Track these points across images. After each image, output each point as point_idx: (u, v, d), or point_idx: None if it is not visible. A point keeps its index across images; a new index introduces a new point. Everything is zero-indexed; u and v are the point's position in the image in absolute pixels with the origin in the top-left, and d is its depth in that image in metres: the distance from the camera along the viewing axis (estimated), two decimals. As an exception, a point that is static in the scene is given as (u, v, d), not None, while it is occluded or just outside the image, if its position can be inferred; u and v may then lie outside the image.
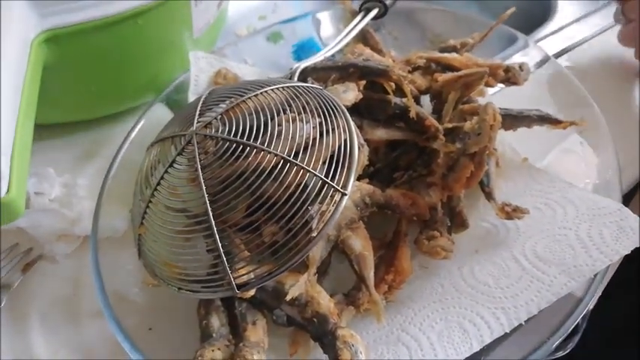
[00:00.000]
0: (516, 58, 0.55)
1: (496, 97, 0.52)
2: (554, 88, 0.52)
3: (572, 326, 0.36)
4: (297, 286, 0.35)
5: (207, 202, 0.33)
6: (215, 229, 0.33)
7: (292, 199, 0.33)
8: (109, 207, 0.44)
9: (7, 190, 0.34)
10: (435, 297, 0.39)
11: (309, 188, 0.33)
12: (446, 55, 0.50)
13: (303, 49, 0.61)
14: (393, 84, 0.44)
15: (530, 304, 0.36)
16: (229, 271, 0.33)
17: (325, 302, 0.36)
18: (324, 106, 0.37)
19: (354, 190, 0.39)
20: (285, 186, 0.33)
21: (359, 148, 0.36)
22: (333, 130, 0.36)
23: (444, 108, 0.46)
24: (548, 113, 0.46)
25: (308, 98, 0.37)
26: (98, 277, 0.40)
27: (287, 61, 0.60)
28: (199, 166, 0.34)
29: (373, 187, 0.40)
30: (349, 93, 0.43)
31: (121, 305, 0.39)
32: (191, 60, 0.53)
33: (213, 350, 0.34)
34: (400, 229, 0.42)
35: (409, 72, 0.49)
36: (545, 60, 0.53)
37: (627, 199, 0.51)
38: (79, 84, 0.50)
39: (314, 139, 0.35)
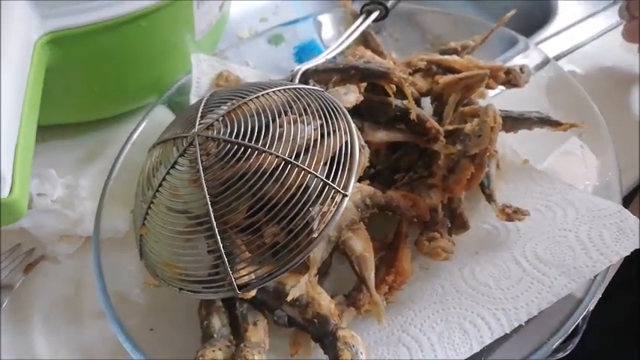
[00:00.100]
0: (517, 61, 0.55)
1: (497, 99, 0.52)
2: (554, 90, 0.52)
3: (572, 327, 0.36)
4: (298, 286, 0.35)
5: (209, 203, 0.33)
6: (216, 230, 0.33)
7: (293, 201, 0.33)
8: (111, 208, 0.45)
9: (10, 191, 0.34)
10: (436, 298, 0.39)
11: (310, 189, 0.33)
12: (447, 57, 0.50)
13: (304, 52, 0.62)
14: (393, 86, 0.44)
15: (531, 305, 0.37)
16: (230, 272, 0.33)
17: (326, 303, 0.36)
18: (325, 108, 0.37)
19: (355, 191, 0.39)
20: (286, 187, 0.33)
21: (360, 149, 0.36)
22: (334, 131, 0.36)
23: (445, 110, 0.47)
24: (548, 115, 0.46)
25: (309, 100, 0.37)
26: (100, 278, 0.40)
27: (288, 63, 0.60)
28: (201, 168, 0.34)
29: (374, 189, 0.41)
30: (350, 95, 0.43)
31: (122, 306, 0.39)
32: (193, 62, 0.53)
33: (214, 350, 0.34)
34: (401, 231, 0.42)
35: (410, 74, 0.49)
36: (545, 62, 0.53)
37: (627, 201, 0.51)
38: (82, 86, 0.50)
39: (315, 140, 0.35)
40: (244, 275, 0.33)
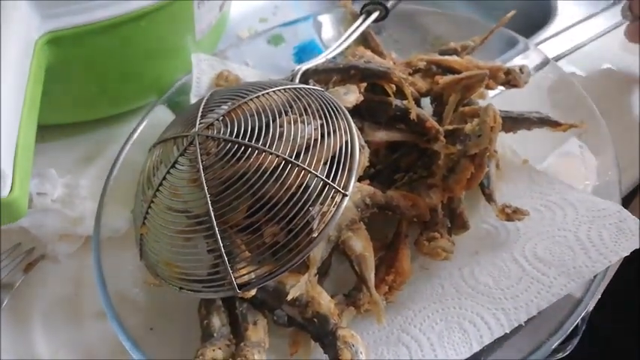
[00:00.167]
0: (517, 61, 0.55)
1: (496, 99, 0.52)
2: (554, 90, 0.52)
3: (572, 327, 0.36)
4: (298, 286, 0.35)
5: (209, 202, 0.33)
6: (217, 229, 0.33)
7: (293, 200, 0.33)
8: (111, 207, 0.45)
9: (10, 190, 0.34)
10: (435, 298, 0.39)
11: (310, 189, 0.33)
12: (446, 57, 0.50)
13: (304, 52, 0.62)
14: (393, 86, 0.44)
15: (530, 305, 0.37)
16: (230, 271, 0.33)
17: (326, 303, 0.36)
18: (325, 108, 0.37)
19: (355, 191, 0.39)
20: (286, 187, 0.33)
21: (360, 149, 0.36)
22: (334, 131, 0.36)
23: (445, 110, 0.47)
24: (548, 115, 0.46)
25: (309, 100, 0.37)
26: (100, 277, 0.40)
27: (288, 63, 0.60)
28: (201, 167, 0.34)
29: (374, 189, 0.41)
30: (350, 95, 0.43)
31: (122, 305, 0.39)
32: (193, 62, 0.53)
33: (214, 350, 0.34)
34: (401, 231, 0.42)
35: (410, 74, 0.49)
36: (545, 63, 0.53)
37: (627, 202, 0.51)
38: (82, 85, 0.50)
39: (315, 140, 0.35)
40: (244, 274, 0.33)
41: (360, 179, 0.41)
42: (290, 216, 0.33)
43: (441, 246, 0.40)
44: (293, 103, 0.37)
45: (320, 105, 0.37)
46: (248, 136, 0.34)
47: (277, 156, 0.34)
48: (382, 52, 0.55)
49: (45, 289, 0.46)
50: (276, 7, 0.76)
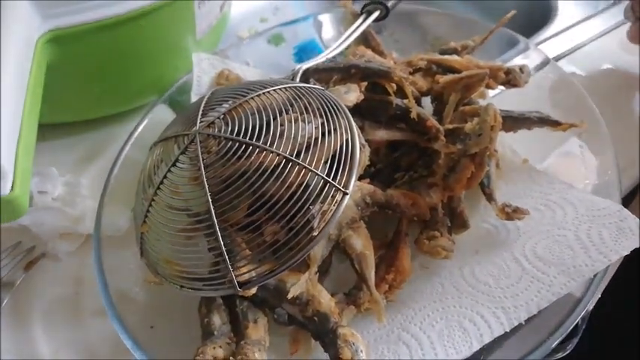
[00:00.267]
0: (517, 61, 0.55)
1: (497, 99, 0.52)
2: (554, 90, 0.52)
3: (572, 326, 0.36)
4: (299, 284, 0.35)
5: (210, 200, 0.33)
6: (217, 227, 0.33)
7: (294, 199, 0.33)
8: (112, 206, 0.45)
9: (11, 188, 0.34)
10: (436, 296, 0.39)
11: (310, 188, 0.33)
12: (447, 57, 0.50)
13: (304, 51, 0.62)
14: (394, 85, 0.44)
15: (530, 304, 0.37)
16: (231, 270, 0.33)
17: (326, 301, 0.36)
18: (326, 107, 0.37)
19: (355, 189, 0.39)
20: (286, 185, 0.33)
21: (360, 148, 0.36)
22: (334, 130, 0.36)
23: (445, 109, 0.47)
24: (548, 115, 0.46)
25: (310, 99, 0.37)
26: (101, 276, 0.40)
27: (288, 63, 0.60)
28: (202, 165, 0.34)
29: (374, 187, 0.41)
30: (351, 94, 0.43)
31: (123, 303, 0.39)
32: (194, 61, 0.53)
33: (214, 348, 0.34)
34: (401, 229, 0.42)
35: (410, 73, 0.49)
36: (545, 62, 0.53)
37: (627, 201, 0.51)
38: (83, 84, 0.51)
39: (316, 139, 0.35)
40: (245, 273, 0.33)
41: (360, 178, 0.41)
42: (290, 214, 0.33)
43: (441, 245, 0.40)
44: (294, 101, 0.37)
45: (320, 104, 0.37)
46: (249, 134, 0.34)
47: (278, 154, 0.34)
48: (383, 52, 0.55)
49: (45, 288, 0.46)
50: (276, 7, 0.76)
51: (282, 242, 0.33)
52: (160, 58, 0.54)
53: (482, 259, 0.41)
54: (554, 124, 0.46)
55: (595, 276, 0.37)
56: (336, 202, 0.34)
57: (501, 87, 0.49)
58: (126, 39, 0.48)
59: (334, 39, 0.55)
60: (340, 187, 0.34)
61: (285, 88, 0.38)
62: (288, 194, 0.33)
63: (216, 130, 0.36)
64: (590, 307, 0.43)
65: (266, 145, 0.34)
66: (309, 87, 0.39)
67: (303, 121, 0.36)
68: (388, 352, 0.37)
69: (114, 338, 0.38)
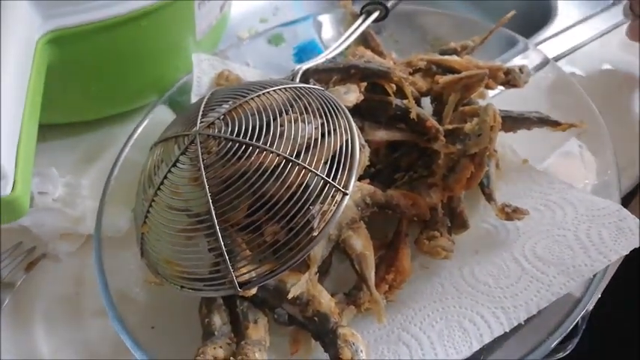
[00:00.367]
0: (516, 61, 0.55)
1: (496, 99, 0.52)
2: (554, 90, 0.52)
3: (571, 326, 0.36)
4: (299, 285, 0.35)
5: (210, 201, 0.33)
6: (217, 228, 0.33)
7: (294, 199, 0.33)
8: (112, 206, 0.45)
9: (12, 188, 0.34)
10: (436, 297, 0.39)
11: (310, 188, 0.33)
12: (446, 57, 0.50)
13: (304, 52, 0.62)
14: (394, 86, 0.45)
15: (530, 304, 0.37)
16: (231, 270, 0.33)
17: (326, 301, 0.36)
18: (325, 107, 0.37)
19: (355, 190, 0.39)
20: (286, 186, 0.33)
21: (360, 148, 0.36)
22: (334, 130, 0.36)
23: (445, 109, 0.47)
24: (547, 115, 0.47)
25: (310, 99, 0.37)
26: (101, 276, 0.40)
27: (288, 63, 0.60)
28: (202, 166, 0.34)
29: (374, 188, 0.41)
30: (351, 94, 0.43)
31: (123, 304, 0.39)
32: (194, 61, 0.53)
33: (215, 348, 0.34)
34: (401, 230, 0.42)
35: (410, 74, 0.49)
36: (545, 63, 0.54)
37: (627, 201, 0.51)
38: (83, 85, 0.51)
39: (316, 139, 0.35)
40: (245, 273, 0.33)
41: (360, 178, 0.41)
42: (290, 215, 0.33)
43: (441, 245, 0.40)
44: (293, 102, 0.37)
45: (320, 104, 0.37)
46: (249, 135, 0.35)
47: (278, 155, 0.34)
48: (382, 52, 0.55)
49: (46, 288, 0.46)
50: (276, 7, 0.76)
51: (282, 242, 0.34)
52: (160, 58, 0.54)
53: (481, 259, 0.41)
54: (554, 124, 0.46)
55: (594, 276, 0.37)
56: (336, 203, 0.34)
57: (501, 87, 0.49)
58: (126, 39, 0.48)
59: (334, 39, 0.56)
60: (340, 188, 0.34)
61: (284, 88, 0.38)
62: (288, 194, 0.33)
63: (217, 130, 0.36)
64: (590, 307, 0.43)
65: (266, 145, 0.34)
66: (309, 87, 0.39)
67: (303, 121, 0.36)
68: (388, 352, 0.37)
69: (114, 339, 0.38)
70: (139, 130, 0.50)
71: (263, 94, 0.38)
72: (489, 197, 0.43)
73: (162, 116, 0.51)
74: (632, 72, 0.62)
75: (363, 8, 0.57)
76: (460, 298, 0.39)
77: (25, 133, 0.37)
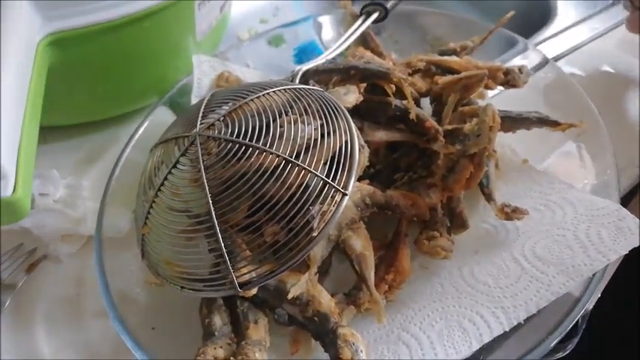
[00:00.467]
0: (516, 61, 0.55)
1: (496, 99, 0.52)
2: (553, 90, 0.52)
3: (571, 325, 0.36)
4: (299, 285, 0.36)
5: (210, 202, 0.34)
6: (218, 228, 0.33)
7: (294, 200, 0.33)
8: (113, 208, 0.45)
9: (13, 190, 0.34)
10: (435, 296, 0.39)
11: (310, 188, 0.33)
12: (446, 57, 0.50)
13: (304, 53, 0.62)
14: (393, 86, 0.45)
15: (530, 304, 0.37)
16: (231, 270, 0.33)
17: (326, 301, 0.36)
18: (325, 108, 0.37)
19: (355, 190, 0.39)
20: (286, 186, 0.33)
21: (359, 149, 0.36)
22: (334, 131, 0.36)
23: (444, 110, 0.47)
24: (547, 115, 0.47)
25: (309, 100, 0.38)
26: (102, 277, 0.40)
27: (288, 64, 0.61)
28: (202, 167, 0.34)
29: (374, 188, 0.41)
30: (350, 95, 0.43)
31: (124, 305, 0.40)
32: (194, 63, 0.54)
33: (215, 348, 0.34)
34: (400, 230, 0.42)
35: (409, 74, 0.49)
36: (544, 63, 0.54)
37: (627, 201, 0.51)
38: (84, 86, 0.51)
39: (315, 140, 0.35)
40: (245, 274, 0.34)
41: (359, 179, 0.41)
42: (290, 215, 0.33)
43: (440, 245, 0.40)
44: (293, 103, 0.37)
45: (320, 105, 0.37)
46: (249, 136, 0.35)
47: (278, 156, 0.34)
48: (382, 53, 0.55)
49: (47, 289, 0.46)
50: (276, 8, 0.76)
51: (282, 243, 0.34)
52: (160, 59, 0.54)
53: (481, 259, 0.41)
54: (553, 124, 0.46)
55: (594, 275, 0.38)
56: (335, 203, 0.34)
57: (500, 87, 0.49)
58: (126, 41, 0.48)
59: (334, 40, 0.56)
60: (340, 188, 0.34)
61: (284, 89, 0.39)
62: (288, 195, 0.33)
63: (217, 131, 0.36)
64: (590, 306, 0.43)
65: (266, 146, 0.34)
66: (309, 88, 0.39)
67: (303, 122, 0.36)
68: (388, 352, 0.37)
69: (115, 339, 0.38)
70: (140, 131, 0.50)
71: (263, 95, 0.38)
72: (489, 197, 0.43)
73: (162, 117, 0.51)
74: (631, 72, 0.62)
75: (362, 9, 0.57)
76: (460, 297, 0.39)
77: (25, 134, 0.37)
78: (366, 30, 0.56)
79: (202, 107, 0.39)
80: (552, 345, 0.36)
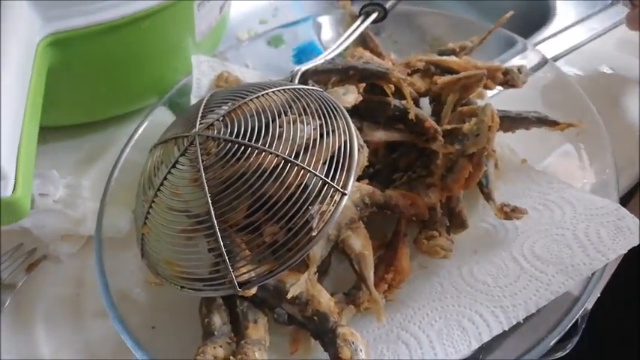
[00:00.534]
0: (515, 61, 0.55)
1: (495, 99, 0.52)
2: (552, 90, 0.52)
3: (570, 325, 0.36)
4: (298, 284, 0.36)
5: (210, 202, 0.34)
6: (217, 228, 0.33)
7: (293, 199, 0.33)
8: (113, 208, 0.45)
9: (13, 190, 0.34)
10: (435, 296, 0.39)
11: (309, 188, 0.34)
12: (445, 57, 0.50)
13: (303, 53, 0.62)
14: (392, 86, 0.45)
15: (529, 303, 0.37)
16: (231, 270, 0.33)
17: (326, 301, 0.36)
18: (324, 108, 0.37)
19: (354, 190, 0.39)
20: (285, 186, 0.33)
21: (359, 149, 0.37)
22: (333, 131, 0.36)
23: (443, 110, 0.47)
24: (546, 115, 0.47)
25: (309, 100, 0.38)
26: (102, 277, 0.40)
27: (288, 64, 0.61)
28: (202, 167, 0.35)
29: (373, 188, 0.41)
30: (349, 95, 0.43)
31: (124, 304, 0.40)
32: (193, 63, 0.54)
33: (215, 348, 0.34)
34: (400, 229, 0.42)
35: (408, 75, 0.49)
36: (543, 63, 0.54)
37: (626, 201, 0.51)
38: (83, 87, 0.51)
39: (314, 140, 0.35)
40: (244, 273, 0.34)
41: (359, 179, 0.41)
42: (290, 215, 0.33)
43: (439, 244, 0.40)
44: (292, 103, 0.37)
45: (319, 105, 0.37)
46: (248, 136, 0.35)
47: (277, 156, 0.34)
48: (381, 53, 0.55)
49: (47, 289, 0.46)
50: (275, 8, 0.76)
51: (281, 243, 0.34)
52: (160, 60, 0.54)
53: (480, 259, 0.41)
54: (552, 124, 0.46)
55: (593, 274, 0.38)
56: (334, 203, 0.34)
57: (499, 87, 0.49)
58: (126, 42, 0.48)
59: (333, 40, 0.56)
60: (339, 188, 0.34)
61: (283, 89, 0.39)
62: (287, 195, 0.33)
63: (216, 131, 0.36)
64: (589, 305, 0.44)
65: (265, 146, 0.34)
66: (308, 89, 0.39)
67: (302, 122, 0.36)
68: (387, 352, 0.37)
69: (115, 339, 0.38)
70: (139, 131, 0.50)
71: (262, 95, 0.38)
72: (488, 197, 0.43)
73: (161, 118, 0.51)
74: (630, 72, 0.62)
75: (362, 9, 0.57)
76: (459, 297, 0.39)
77: (25, 134, 0.37)
78: (365, 30, 0.56)
79: (202, 107, 0.39)
80: (551, 344, 0.36)
